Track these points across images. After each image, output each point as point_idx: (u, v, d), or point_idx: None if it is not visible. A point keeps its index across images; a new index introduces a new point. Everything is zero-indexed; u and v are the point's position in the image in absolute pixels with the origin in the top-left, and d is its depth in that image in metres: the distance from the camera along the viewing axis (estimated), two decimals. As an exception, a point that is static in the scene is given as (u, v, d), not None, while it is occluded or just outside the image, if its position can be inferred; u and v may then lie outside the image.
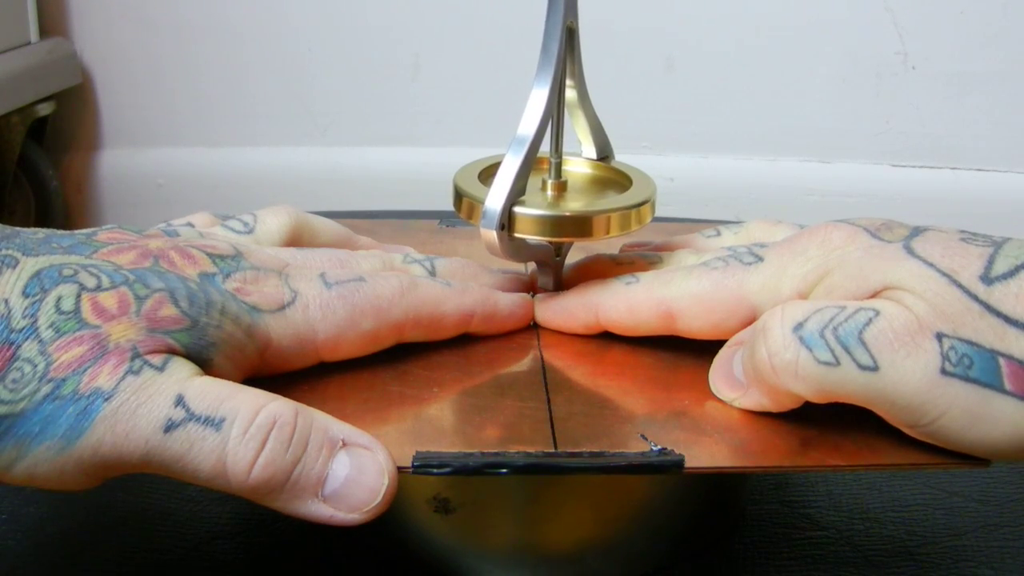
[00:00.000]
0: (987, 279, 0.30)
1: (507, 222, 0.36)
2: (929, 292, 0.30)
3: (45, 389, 0.28)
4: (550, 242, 0.38)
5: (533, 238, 0.36)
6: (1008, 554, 0.37)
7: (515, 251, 0.37)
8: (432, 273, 0.38)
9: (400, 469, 0.29)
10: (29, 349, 0.29)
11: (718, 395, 0.34)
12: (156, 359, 0.30)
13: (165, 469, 0.29)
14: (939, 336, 0.29)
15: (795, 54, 1.01)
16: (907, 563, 0.36)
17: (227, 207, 0.45)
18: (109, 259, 0.32)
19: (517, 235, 0.36)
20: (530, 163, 0.36)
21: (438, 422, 0.32)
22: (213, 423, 0.28)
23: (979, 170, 1.01)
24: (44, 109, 1.12)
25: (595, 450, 0.31)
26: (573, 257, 0.40)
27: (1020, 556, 0.37)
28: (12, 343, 0.29)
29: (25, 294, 0.29)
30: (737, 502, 0.38)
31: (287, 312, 0.33)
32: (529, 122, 0.36)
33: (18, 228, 0.32)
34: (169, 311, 0.31)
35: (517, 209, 0.36)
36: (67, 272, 0.30)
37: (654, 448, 0.31)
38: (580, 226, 0.36)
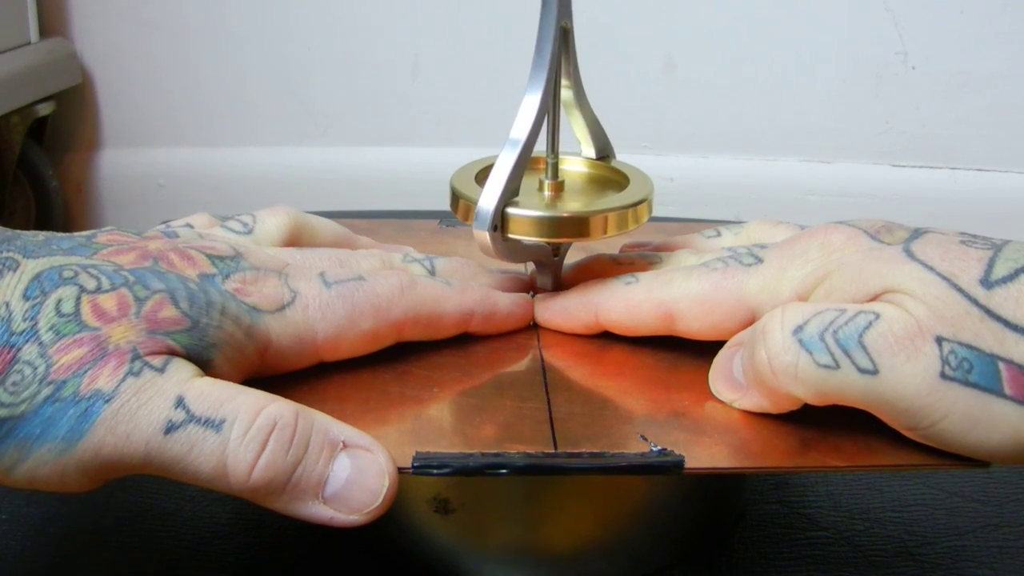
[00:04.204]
0: (987, 283, 0.30)
1: (500, 223, 0.36)
2: (929, 296, 0.30)
3: (45, 391, 0.28)
4: (548, 243, 0.38)
5: (529, 239, 0.36)
6: (1008, 554, 0.37)
7: (509, 252, 0.37)
8: (432, 272, 0.38)
9: (400, 470, 0.29)
10: (29, 352, 0.29)
11: (718, 396, 0.34)
12: (156, 360, 0.30)
13: (166, 470, 0.29)
14: (939, 340, 0.29)
15: (795, 54, 1.01)
16: (907, 563, 0.36)
17: (227, 207, 0.45)
18: (110, 259, 0.32)
19: (513, 236, 0.36)
20: (523, 164, 0.36)
21: (438, 422, 0.32)
22: (213, 424, 0.28)
23: (979, 170, 1.01)
24: (44, 109, 1.12)
25: (595, 450, 0.31)
26: (573, 257, 0.40)
27: (1020, 556, 0.37)
28: (13, 346, 0.29)
29: (26, 297, 0.29)
30: (737, 502, 0.38)
31: (287, 312, 0.33)
32: (522, 123, 0.36)
33: (19, 231, 0.32)
34: (169, 312, 0.31)
35: (513, 210, 0.36)
36: (67, 274, 0.30)
37: (654, 449, 0.31)
38: (577, 226, 0.36)
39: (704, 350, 0.35)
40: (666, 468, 0.30)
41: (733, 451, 0.31)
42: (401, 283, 0.35)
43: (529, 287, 0.40)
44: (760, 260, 0.35)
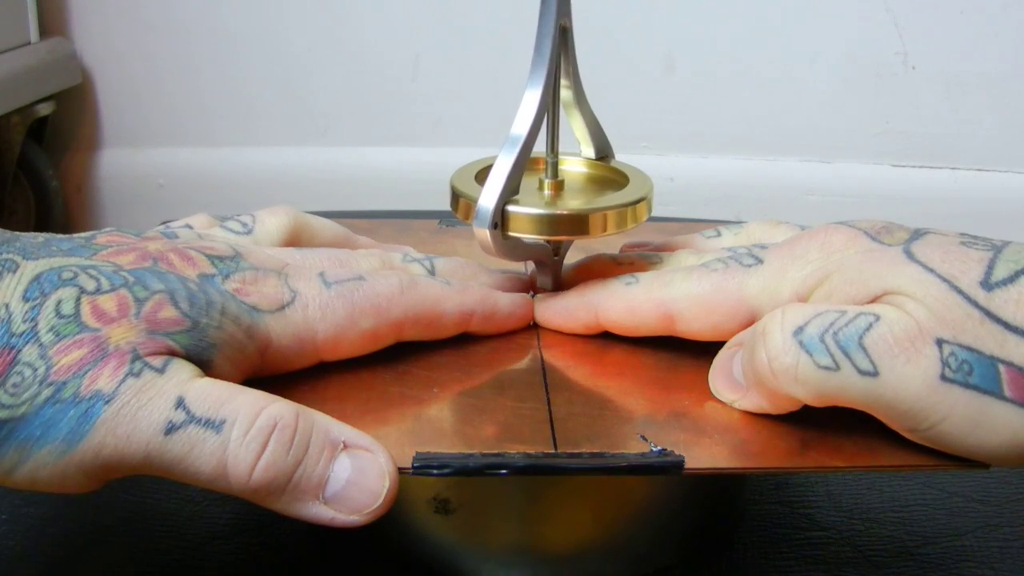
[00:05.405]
0: (987, 285, 0.30)
1: (500, 221, 0.36)
2: (930, 298, 0.30)
3: (46, 393, 0.28)
4: (547, 241, 0.38)
5: (529, 237, 0.36)
6: (1008, 554, 0.37)
7: (509, 250, 0.37)
8: (432, 272, 0.38)
9: (400, 470, 0.29)
10: (29, 353, 0.29)
11: (718, 396, 0.34)
12: (156, 361, 0.30)
13: (166, 471, 0.29)
14: (939, 342, 0.29)
15: (795, 54, 1.01)
16: (907, 563, 0.36)
17: (227, 207, 0.45)
18: (109, 260, 0.32)
19: (513, 234, 0.36)
20: (523, 162, 0.36)
21: (438, 423, 0.32)
22: (214, 425, 0.28)
23: (979, 170, 1.01)
24: (44, 109, 1.12)
25: (595, 451, 0.31)
26: (573, 257, 0.40)
27: (1020, 556, 0.37)
28: (13, 347, 0.29)
29: (25, 298, 0.30)
30: (737, 502, 0.38)
31: (287, 312, 0.33)
32: (522, 122, 0.36)
33: (18, 232, 0.32)
34: (169, 313, 0.31)
35: (513, 208, 0.36)
36: (67, 275, 0.30)
37: (654, 449, 0.31)
38: (576, 224, 0.36)
39: (704, 351, 0.35)
40: (666, 468, 0.30)
41: (733, 451, 0.31)
42: (401, 283, 0.35)
43: (529, 287, 0.40)
44: (760, 261, 0.35)
